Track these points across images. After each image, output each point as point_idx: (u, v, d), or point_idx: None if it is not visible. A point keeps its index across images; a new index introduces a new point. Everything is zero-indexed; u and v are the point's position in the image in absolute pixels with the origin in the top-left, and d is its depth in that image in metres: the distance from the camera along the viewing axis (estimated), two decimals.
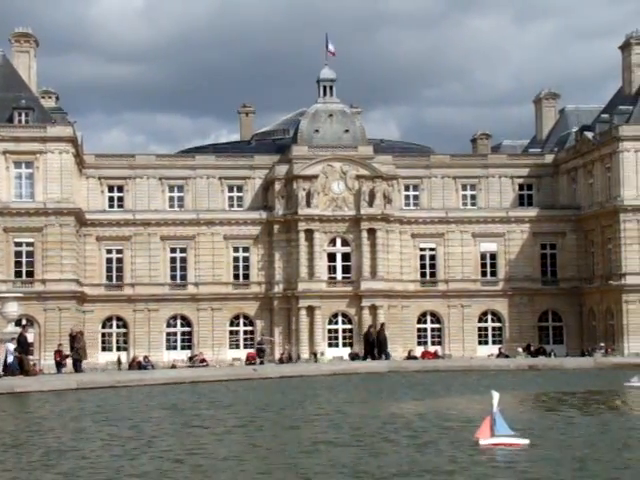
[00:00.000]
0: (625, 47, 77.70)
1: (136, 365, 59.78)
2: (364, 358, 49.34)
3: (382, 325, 54.19)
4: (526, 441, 16.96)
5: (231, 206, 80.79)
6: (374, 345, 48.57)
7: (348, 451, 16.09)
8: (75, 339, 42.21)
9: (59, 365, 42.07)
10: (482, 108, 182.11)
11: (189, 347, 77.01)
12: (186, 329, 77.97)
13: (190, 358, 69.66)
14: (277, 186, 78.23)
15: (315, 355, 71.11)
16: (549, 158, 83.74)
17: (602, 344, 69.24)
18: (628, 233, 71.64)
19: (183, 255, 78.28)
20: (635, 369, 43.65)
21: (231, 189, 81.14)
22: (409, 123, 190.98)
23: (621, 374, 39.95)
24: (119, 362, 71.49)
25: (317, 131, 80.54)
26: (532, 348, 67.44)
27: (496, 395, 17.54)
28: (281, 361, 63.85)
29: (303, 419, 21.46)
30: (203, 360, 61.45)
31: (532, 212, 79.86)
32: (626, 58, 77.75)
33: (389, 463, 14.81)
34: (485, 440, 16.93)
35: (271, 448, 16.89)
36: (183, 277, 78.32)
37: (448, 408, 24.09)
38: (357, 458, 15.16)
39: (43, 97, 79.50)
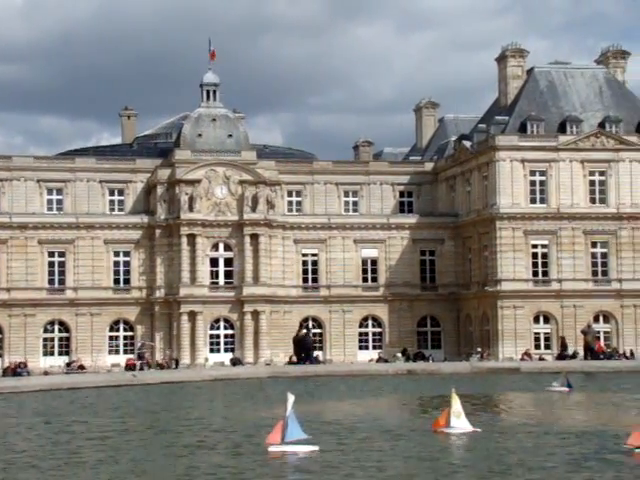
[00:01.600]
0: (501, 59, 79.86)
1: (10, 372, 58.33)
2: (297, 363, 49.77)
3: (307, 331, 55.62)
4: (315, 447, 17.01)
5: (112, 210, 79.71)
6: (303, 349, 49.53)
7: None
8: None
9: None
10: (365, 116, 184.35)
11: (67, 353, 75.57)
12: (64, 334, 76.46)
13: (68, 364, 68.42)
14: (159, 190, 77.54)
15: (195, 361, 70.76)
16: (429, 166, 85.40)
17: (478, 349, 70.97)
18: (504, 240, 73.57)
19: (62, 259, 76.76)
20: (509, 373, 44.96)
21: (112, 192, 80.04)
22: (293, 129, 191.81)
23: (497, 378, 41.11)
24: None
25: (200, 135, 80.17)
26: (410, 353, 68.57)
27: (291, 398, 17.35)
28: (162, 367, 63.34)
29: (173, 424, 21.54)
30: (81, 366, 60.45)
31: (412, 219, 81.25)
32: (502, 70, 79.93)
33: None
34: (275, 446, 16.74)
35: (132, 452, 17.00)
36: (61, 282, 76.79)
37: (317, 412, 24.44)
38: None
39: None
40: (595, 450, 18.01)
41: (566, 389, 32.50)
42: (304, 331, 54.01)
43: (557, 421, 24.34)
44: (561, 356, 61.99)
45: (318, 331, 79.36)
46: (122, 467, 15.64)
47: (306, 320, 79.30)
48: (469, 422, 20.41)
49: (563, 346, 64.07)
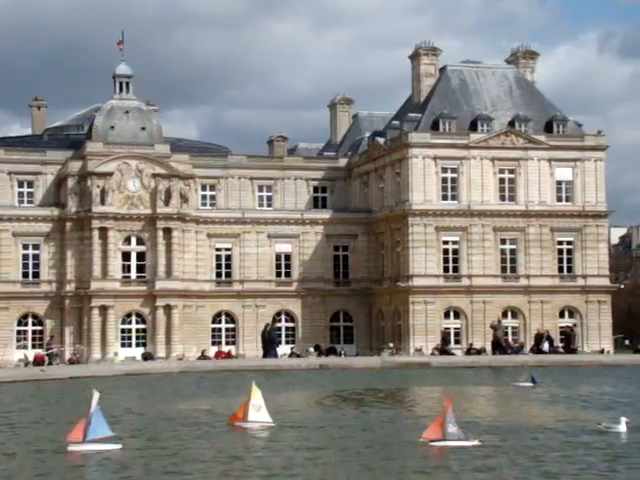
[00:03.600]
0: (414, 57, 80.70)
1: None
2: (263, 356, 53.18)
3: (272, 325, 57.94)
4: (118, 446, 16.86)
5: (21, 202, 78.22)
6: (268, 343, 51.71)
7: None
8: None
9: None
10: (281, 111, 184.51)
11: None
12: None
13: None
14: (70, 183, 76.37)
15: (106, 356, 69.98)
16: (343, 162, 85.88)
17: (391, 344, 71.64)
18: (416, 236, 74.43)
19: None
20: (420, 368, 45.60)
21: (21, 184, 78.55)
22: (208, 123, 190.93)
23: (409, 373, 41.69)
24: None
25: (113, 128, 79.18)
26: (323, 348, 68.87)
27: (96, 395, 17.11)
28: (72, 362, 62.46)
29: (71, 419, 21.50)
30: None
31: (326, 214, 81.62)
32: (415, 68, 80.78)
33: None
34: (75, 445, 16.37)
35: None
36: None
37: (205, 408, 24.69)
38: None
39: None
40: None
41: (530, 384, 33.12)
42: (268, 325, 56.05)
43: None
44: (443, 350, 63.36)
45: (231, 326, 79.21)
46: None
47: (219, 314, 79.05)
48: (269, 415, 20.47)
49: (444, 340, 65.59)
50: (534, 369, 37.80)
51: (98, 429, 16.64)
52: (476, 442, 18.27)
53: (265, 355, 52.28)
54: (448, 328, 74.54)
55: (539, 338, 62.00)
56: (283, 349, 74.77)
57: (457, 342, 73.89)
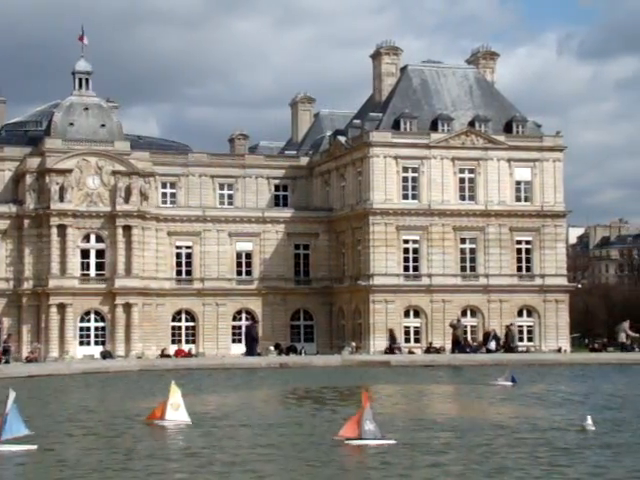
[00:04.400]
0: (376, 57, 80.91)
1: None
2: (245, 354, 55.57)
3: (254, 323, 60.44)
4: (34, 446, 16.94)
5: None
6: (250, 341, 52.65)
7: None
8: None
9: None
10: (242, 109, 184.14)
11: None
12: None
13: None
14: (28, 179, 75.61)
15: (64, 354, 69.46)
16: (304, 160, 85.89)
17: (352, 342, 71.81)
18: (376, 235, 74.63)
19: None
20: (379, 366, 45.81)
21: None
22: (170, 121, 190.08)
23: (368, 371, 41.83)
24: None
25: (72, 124, 78.53)
26: (283, 346, 68.92)
27: (12, 394, 17.18)
28: (29, 360, 61.95)
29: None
30: None
31: (287, 213, 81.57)
32: (377, 67, 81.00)
33: None
34: None
35: None
36: None
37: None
38: None
39: None
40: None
41: (510, 383, 33.24)
42: (249, 323, 56.90)
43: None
44: (391, 348, 63.87)
45: (191, 324, 78.93)
46: None
47: (179, 313, 78.74)
48: (187, 414, 20.72)
49: (392, 338, 66.13)
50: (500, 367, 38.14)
51: (14, 428, 16.61)
52: (392, 441, 18.09)
53: (247, 353, 53.29)
54: (408, 327, 74.95)
55: (486, 337, 62.61)
56: (243, 347, 74.81)
57: (417, 341, 74.25)
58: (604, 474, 15.67)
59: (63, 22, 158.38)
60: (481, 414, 25.14)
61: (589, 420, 20.66)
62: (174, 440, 19.03)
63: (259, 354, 57.64)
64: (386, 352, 64.13)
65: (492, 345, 60.86)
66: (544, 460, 16.74)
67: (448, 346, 65.82)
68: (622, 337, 63.89)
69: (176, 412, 20.53)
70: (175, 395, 20.63)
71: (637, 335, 66.76)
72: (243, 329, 79.39)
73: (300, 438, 19.25)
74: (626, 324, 65.00)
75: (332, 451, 17.47)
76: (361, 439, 17.91)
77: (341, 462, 16.51)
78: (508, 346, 61.62)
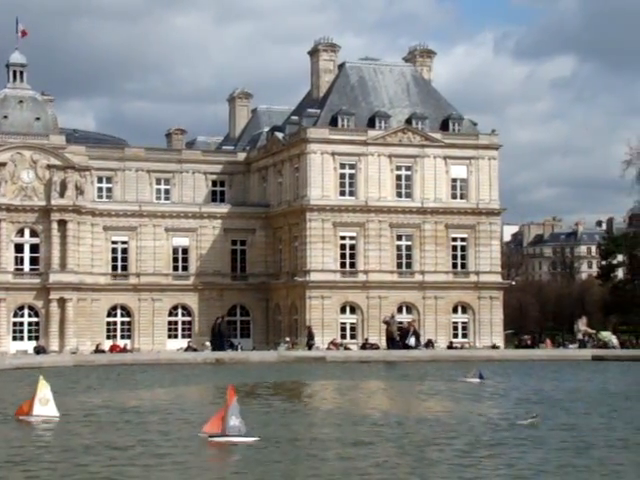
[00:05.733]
0: (314, 53, 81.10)
1: None
2: (212, 349, 55.33)
3: (222, 318, 60.28)
4: None
5: None
6: (218, 337, 52.95)
7: None
8: None
9: None
10: (181, 104, 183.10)
11: None
12: None
13: None
14: None
15: None
16: (241, 156, 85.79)
17: (287, 338, 71.96)
18: (313, 232, 74.86)
19: None
20: (315, 362, 46.05)
21: None
22: (107, 115, 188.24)
23: (304, 367, 42.02)
24: None
25: (6, 117, 77.42)
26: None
27: None
28: None
29: None
30: None
31: (224, 208, 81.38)
32: (314, 63, 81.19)
33: None
34: None
35: None
36: None
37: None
38: None
39: None
40: None
41: (477, 380, 33.38)
42: (218, 321, 57.01)
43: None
44: (309, 345, 64.40)
45: (127, 319, 78.38)
46: None
47: (115, 308, 78.11)
48: (57, 409, 20.83)
49: (310, 335, 66.61)
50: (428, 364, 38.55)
51: None
52: (256, 438, 17.96)
53: (215, 349, 53.54)
54: (344, 323, 75.34)
55: (405, 333, 62.49)
56: (180, 343, 74.56)
57: (353, 337, 74.65)
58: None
59: None
60: (420, 410, 25.46)
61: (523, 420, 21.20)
62: (30, 436, 18.92)
63: (233, 347, 58.66)
64: (332, 348, 64.41)
65: (412, 341, 61.08)
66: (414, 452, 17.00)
67: (384, 342, 66.21)
68: (579, 334, 64.99)
69: (44, 407, 20.58)
70: (44, 390, 20.66)
71: (593, 331, 67.98)
72: (179, 324, 79.37)
73: (166, 433, 19.11)
74: (583, 320, 66.16)
75: (188, 447, 17.26)
76: (225, 435, 17.71)
77: (184, 459, 16.32)
78: (403, 343, 60.54)
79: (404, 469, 15.65)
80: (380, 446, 17.83)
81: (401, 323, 67.97)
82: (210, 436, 17.81)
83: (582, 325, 65.58)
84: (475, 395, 29.13)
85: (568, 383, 34.68)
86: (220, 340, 55.77)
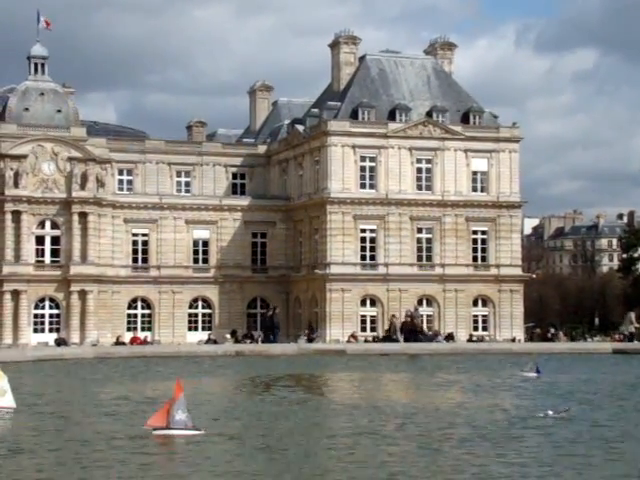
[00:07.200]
0: (334, 46, 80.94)
1: None
2: (264, 341, 55.98)
3: (274, 310, 61.36)
4: None
5: None
6: (269, 328, 53.86)
7: None
8: None
9: None
10: (201, 96, 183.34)
11: None
12: None
13: None
14: None
15: (18, 341, 68.96)
16: (262, 149, 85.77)
17: (307, 331, 71.96)
18: (333, 224, 74.78)
19: None
20: (335, 355, 46.00)
21: None
22: (127, 107, 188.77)
23: (325, 359, 41.99)
24: None
25: (27, 109, 77.69)
26: (239, 334, 68.88)
27: None
28: None
29: None
30: None
31: (244, 201, 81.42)
32: (335, 56, 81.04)
33: None
34: None
35: None
36: None
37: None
38: None
39: None
40: None
41: (535, 374, 33.06)
42: (270, 312, 57.14)
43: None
44: (309, 339, 64.36)
45: (147, 312, 78.61)
46: None
47: (135, 300, 78.32)
48: (14, 400, 21.05)
49: (310, 329, 66.74)
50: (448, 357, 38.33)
51: None
52: (202, 431, 17.79)
53: (266, 340, 54.41)
54: (364, 316, 75.26)
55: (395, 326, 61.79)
56: (200, 335, 74.69)
57: (373, 330, 74.57)
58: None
59: (18, 5, 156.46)
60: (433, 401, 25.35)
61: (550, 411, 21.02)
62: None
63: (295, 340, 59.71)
64: (352, 340, 64.24)
65: (399, 336, 60.58)
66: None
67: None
68: (630, 327, 64.59)
69: (3, 398, 21.03)
70: (1, 381, 21.08)
71: None
72: (200, 317, 79.51)
73: (116, 428, 18.90)
74: (633, 314, 65.82)
75: (129, 442, 17.03)
76: (169, 429, 17.57)
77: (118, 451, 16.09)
78: (389, 337, 60.06)
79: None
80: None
81: (422, 316, 67.80)
82: (154, 429, 17.70)
83: (634, 319, 65.11)
84: (541, 391, 28.09)
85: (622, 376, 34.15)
86: (273, 332, 56.23)
